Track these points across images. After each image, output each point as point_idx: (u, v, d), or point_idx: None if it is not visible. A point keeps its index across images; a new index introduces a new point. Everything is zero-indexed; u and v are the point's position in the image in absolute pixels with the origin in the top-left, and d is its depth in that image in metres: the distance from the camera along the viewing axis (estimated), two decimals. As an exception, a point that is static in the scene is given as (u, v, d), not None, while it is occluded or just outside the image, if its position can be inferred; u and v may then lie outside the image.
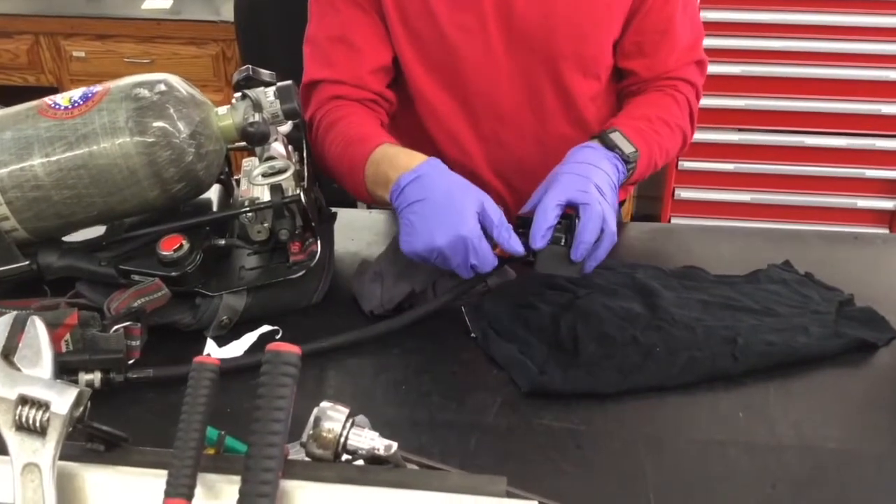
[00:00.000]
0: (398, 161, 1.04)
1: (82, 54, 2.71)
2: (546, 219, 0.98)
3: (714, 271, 1.15)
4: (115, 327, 0.92)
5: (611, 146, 1.09)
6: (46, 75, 2.76)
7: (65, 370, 0.87)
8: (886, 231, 2.55)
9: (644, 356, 0.97)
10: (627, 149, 1.09)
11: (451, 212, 0.96)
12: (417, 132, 1.28)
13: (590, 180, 1.02)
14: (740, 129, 2.49)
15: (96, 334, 0.90)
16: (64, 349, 0.90)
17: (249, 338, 1.02)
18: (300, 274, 1.04)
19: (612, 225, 1.00)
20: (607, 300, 1.06)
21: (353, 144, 1.11)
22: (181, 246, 0.98)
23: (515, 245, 0.98)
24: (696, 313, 1.05)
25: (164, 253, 0.98)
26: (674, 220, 2.61)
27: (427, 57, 1.18)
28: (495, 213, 0.98)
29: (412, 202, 0.98)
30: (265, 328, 1.03)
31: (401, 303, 1.07)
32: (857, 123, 2.44)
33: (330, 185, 1.32)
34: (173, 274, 0.98)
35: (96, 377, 0.89)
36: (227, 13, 2.53)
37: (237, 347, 1.01)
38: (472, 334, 1.03)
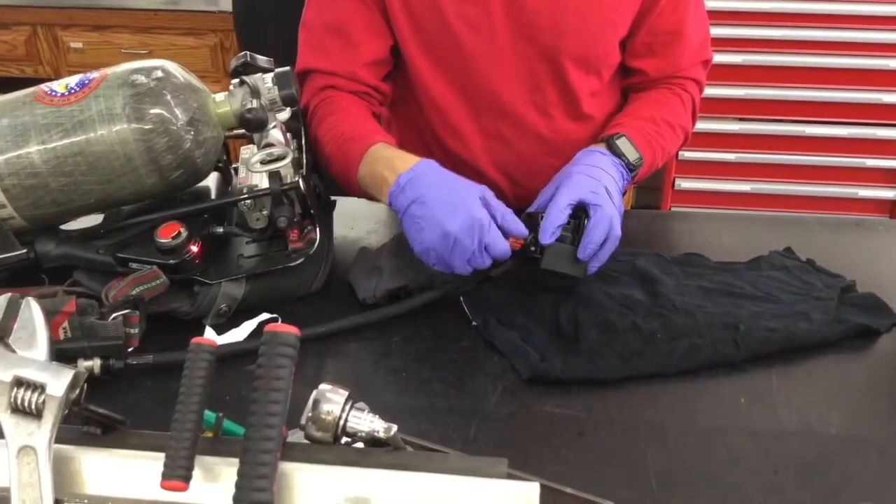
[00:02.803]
0: (394, 163, 1.04)
1: (80, 45, 2.70)
2: (558, 216, 1.00)
3: (715, 258, 1.15)
4: (114, 315, 0.91)
5: (618, 153, 1.11)
6: (44, 66, 2.75)
7: (63, 357, 0.86)
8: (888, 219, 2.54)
9: (645, 343, 0.96)
10: (633, 156, 1.11)
11: (456, 200, 0.97)
12: (420, 125, 1.27)
13: (601, 183, 1.04)
14: (741, 119, 2.49)
15: (94, 322, 0.90)
16: (62, 337, 0.89)
17: (249, 325, 1.01)
18: (299, 262, 1.03)
19: (618, 229, 1.02)
20: (608, 287, 1.05)
21: (347, 142, 1.11)
22: (179, 233, 0.98)
23: (521, 228, 1.00)
24: (696, 300, 1.04)
25: (162, 240, 0.97)
26: (674, 210, 2.60)
27: (431, 50, 1.18)
28: (496, 202, 1.00)
29: (414, 199, 0.98)
30: (264, 316, 1.03)
31: (396, 293, 1.06)
32: (858, 113, 2.43)
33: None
34: (171, 262, 0.98)
35: (95, 364, 0.88)
36: (226, 3, 2.52)
37: (236, 335, 1.00)
38: (473, 322, 1.03)
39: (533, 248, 1.01)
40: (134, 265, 0.98)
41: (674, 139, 1.22)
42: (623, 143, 1.12)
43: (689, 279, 1.09)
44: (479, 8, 1.13)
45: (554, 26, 1.14)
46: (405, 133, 1.31)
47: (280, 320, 1.03)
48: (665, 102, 1.23)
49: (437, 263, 0.99)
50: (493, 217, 0.98)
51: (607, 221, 1.00)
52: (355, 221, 1.26)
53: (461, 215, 0.95)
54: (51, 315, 0.87)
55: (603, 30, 1.17)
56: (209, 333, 1.01)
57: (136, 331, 0.93)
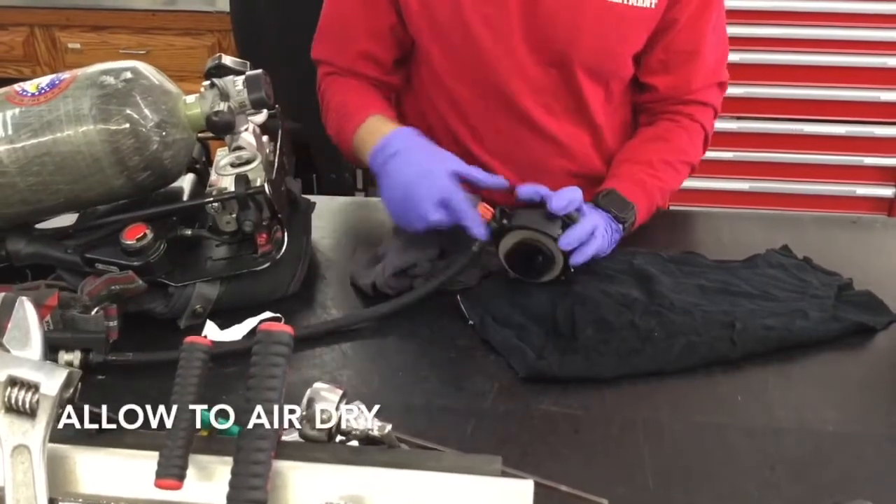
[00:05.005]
0: (382, 129, 1.11)
1: (78, 46, 2.70)
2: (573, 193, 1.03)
3: (713, 256, 1.15)
4: (96, 308, 0.91)
5: (604, 207, 1.12)
6: (42, 67, 2.75)
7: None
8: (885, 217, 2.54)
9: (642, 341, 0.96)
10: (621, 211, 1.12)
11: (427, 156, 1.06)
12: (430, 118, 1.28)
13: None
14: (738, 118, 2.49)
15: (77, 315, 0.90)
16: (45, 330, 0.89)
17: (250, 323, 1.01)
18: (265, 266, 1.03)
19: (600, 240, 1.05)
20: (605, 286, 1.05)
21: (343, 118, 1.18)
22: (144, 235, 0.97)
23: (499, 179, 1.07)
24: (694, 298, 1.04)
25: (127, 242, 0.97)
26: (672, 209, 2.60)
27: (448, 46, 1.18)
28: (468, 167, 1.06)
29: (392, 154, 1.06)
30: (266, 314, 1.03)
31: (403, 271, 1.07)
32: (856, 111, 2.43)
33: (328, 174, 1.31)
34: (135, 263, 0.97)
35: (76, 357, 0.88)
36: (223, 3, 2.52)
37: (237, 332, 1.00)
38: (470, 321, 1.03)
39: (505, 221, 1.03)
40: (100, 266, 0.98)
41: (675, 177, 1.22)
42: (610, 200, 1.12)
43: (687, 277, 1.09)
44: (498, 10, 1.13)
45: (569, 36, 1.14)
46: (415, 124, 1.31)
47: (283, 320, 1.02)
48: (666, 139, 1.23)
49: (401, 216, 1.05)
50: (469, 175, 1.05)
51: (590, 227, 1.03)
52: (354, 220, 1.26)
53: (423, 168, 1.04)
54: (33, 308, 0.87)
55: (618, 44, 1.17)
56: (211, 329, 1.01)
57: (115, 323, 0.93)
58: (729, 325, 0.98)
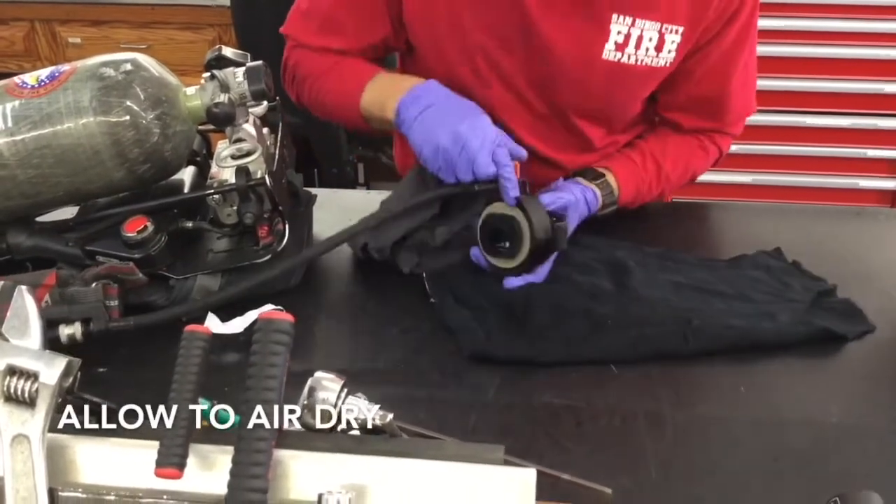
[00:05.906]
0: (404, 82, 1.08)
1: (78, 41, 2.70)
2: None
3: (715, 249, 1.15)
4: (94, 283, 0.91)
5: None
6: (42, 62, 2.75)
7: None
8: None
9: (592, 329, 0.96)
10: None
11: (466, 108, 1.03)
12: None
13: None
14: (741, 110, 2.48)
15: (75, 291, 0.90)
16: (44, 310, 0.89)
17: (252, 315, 1.01)
18: (267, 258, 1.02)
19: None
20: (576, 275, 1.05)
21: (343, 76, 1.15)
22: (145, 228, 0.97)
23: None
24: (664, 293, 1.03)
25: (128, 235, 0.97)
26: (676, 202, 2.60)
27: (450, 68, 1.15)
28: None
29: (428, 105, 1.03)
30: (268, 307, 1.02)
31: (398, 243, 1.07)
32: (860, 103, 2.43)
33: (329, 169, 1.30)
34: (136, 256, 0.97)
35: (77, 330, 0.88)
36: (223, -3, 2.52)
37: (239, 324, 1.00)
38: (431, 300, 1.03)
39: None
40: (101, 258, 0.98)
41: (668, 185, 1.23)
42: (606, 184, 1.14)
43: (664, 273, 1.08)
44: (505, 54, 1.11)
45: (576, 92, 1.13)
46: None
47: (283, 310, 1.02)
48: (682, 150, 1.22)
49: (444, 167, 1.00)
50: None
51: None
52: (354, 214, 1.25)
53: (470, 118, 1.01)
54: (32, 289, 0.86)
55: (625, 99, 1.15)
56: (212, 321, 1.00)
57: (116, 303, 0.92)
58: (685, 321, 0.96)
